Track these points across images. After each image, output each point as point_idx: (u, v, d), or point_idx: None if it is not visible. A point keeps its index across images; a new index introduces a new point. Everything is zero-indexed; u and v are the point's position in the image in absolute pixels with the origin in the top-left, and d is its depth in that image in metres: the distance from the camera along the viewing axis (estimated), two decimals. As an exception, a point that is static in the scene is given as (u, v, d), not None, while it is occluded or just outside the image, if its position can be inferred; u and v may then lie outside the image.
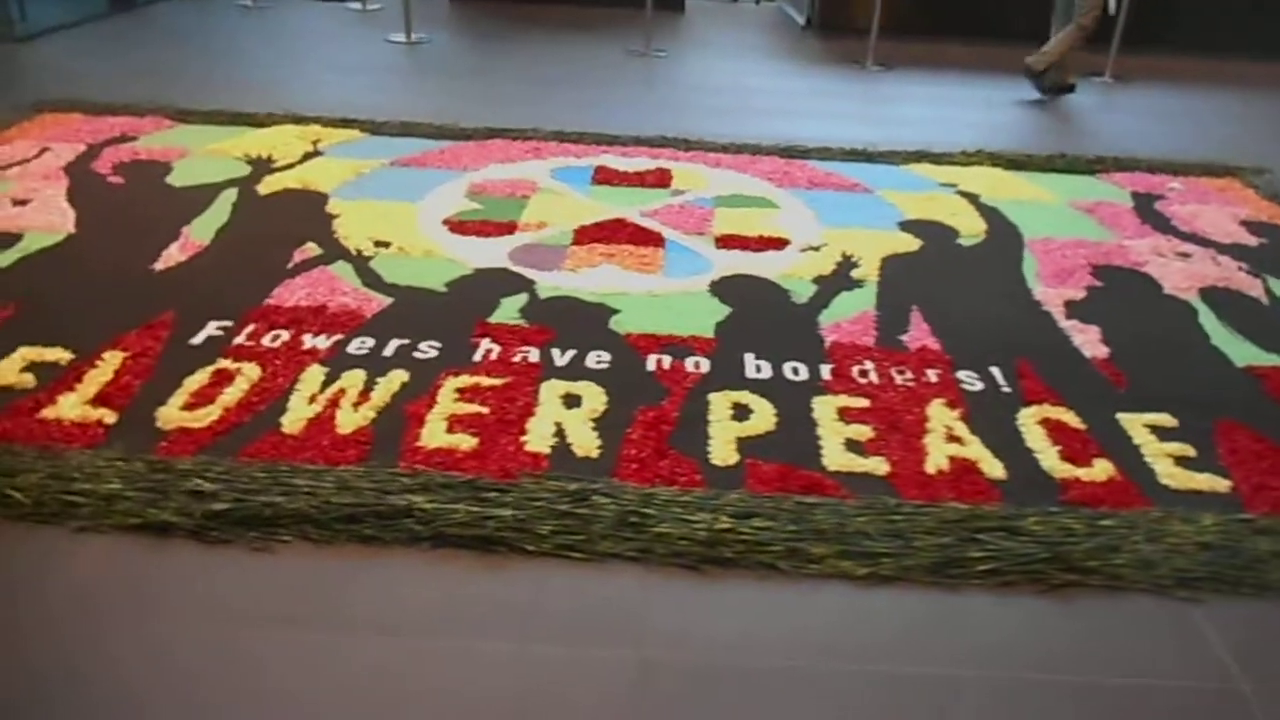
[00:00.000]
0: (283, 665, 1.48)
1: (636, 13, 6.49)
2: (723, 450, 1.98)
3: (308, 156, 3.69)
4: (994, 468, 1.94)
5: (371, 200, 3.29)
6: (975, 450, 1.99)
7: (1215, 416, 2.18)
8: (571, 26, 6.69)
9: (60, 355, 2.24)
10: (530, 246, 3.00)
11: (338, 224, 3.08)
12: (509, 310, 2.58)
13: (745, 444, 2.00)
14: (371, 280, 2.71)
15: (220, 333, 2.39)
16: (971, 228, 3.27)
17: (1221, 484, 1.95)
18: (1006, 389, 2.25)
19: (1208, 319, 2.67)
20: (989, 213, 3.40)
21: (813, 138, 4.22)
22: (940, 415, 2.11)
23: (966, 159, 3.96)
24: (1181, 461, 2.02)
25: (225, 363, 2.25)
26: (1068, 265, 2.95)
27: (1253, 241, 3.24)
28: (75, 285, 2.61)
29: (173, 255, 2.81)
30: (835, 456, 1.96)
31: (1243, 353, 2.50)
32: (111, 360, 2.23)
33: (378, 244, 2.95)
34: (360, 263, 2.82)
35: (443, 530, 1.71)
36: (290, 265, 2.79)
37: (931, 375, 2.29)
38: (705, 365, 2.33)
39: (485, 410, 2.10)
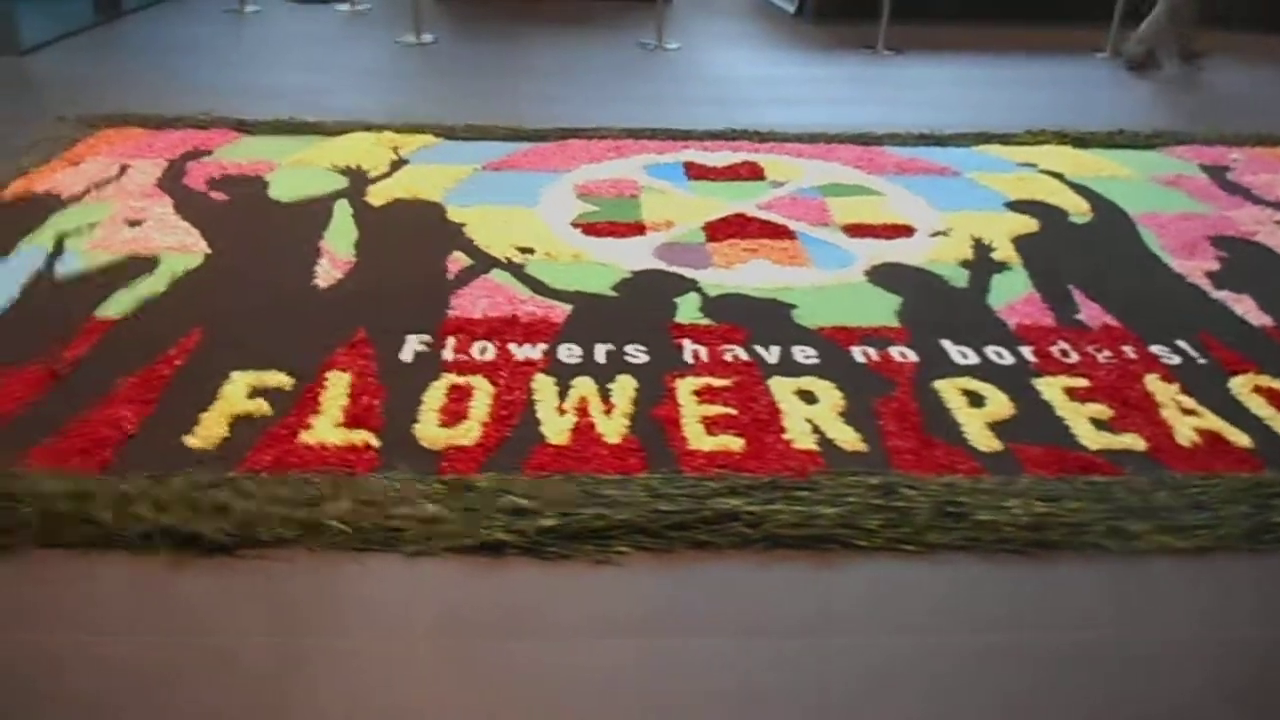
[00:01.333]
0: (667, 674, 1.51)
1: (623, 6, 6.53)
2: (981, 436, 2.06)
3: (395, 165, 3.63)
4: (1239, 437, 2.05)
5: (488, 206, 3.26)
6: (1213, 421, 2.11)
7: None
8: (567, 22, 6.65)
9: (280, 380, 2.19)
10: (670, 246, 3.02)
11: (469, 232, 3.05)
12: (689, 310, 2.60)
13: (999, 429, 2.09)
14: (539, 288, 2.69)
15: (425, 348, 2.36)
16: (1076, 206, 3.40)
17: None
18: (1202, 360, 2.38)
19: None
20: (1082, 191, 3.54)
21: (865, 123, 4.31)
22: (1162, 390, 2.23)
23: (1033, 139, 4.10)
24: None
25: (453, 378, 2.23)
26: (1188, 239, 3.11)
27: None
28: (249, 306, 2.54)
29: (328, 272, 2.76)
30: (1090, 436, 2.05)
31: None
32: (337, 381, 2.19)
33: (522, 250, 2.94)
34: (517, 270, 2.81)
35: (773, 531, 1.74)
36: (450, 276, 2.76)
37: (1129, 351, 2.41)
38: (911, 354, 2.40)
39: (733, 411, 2.13)
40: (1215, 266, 2.90)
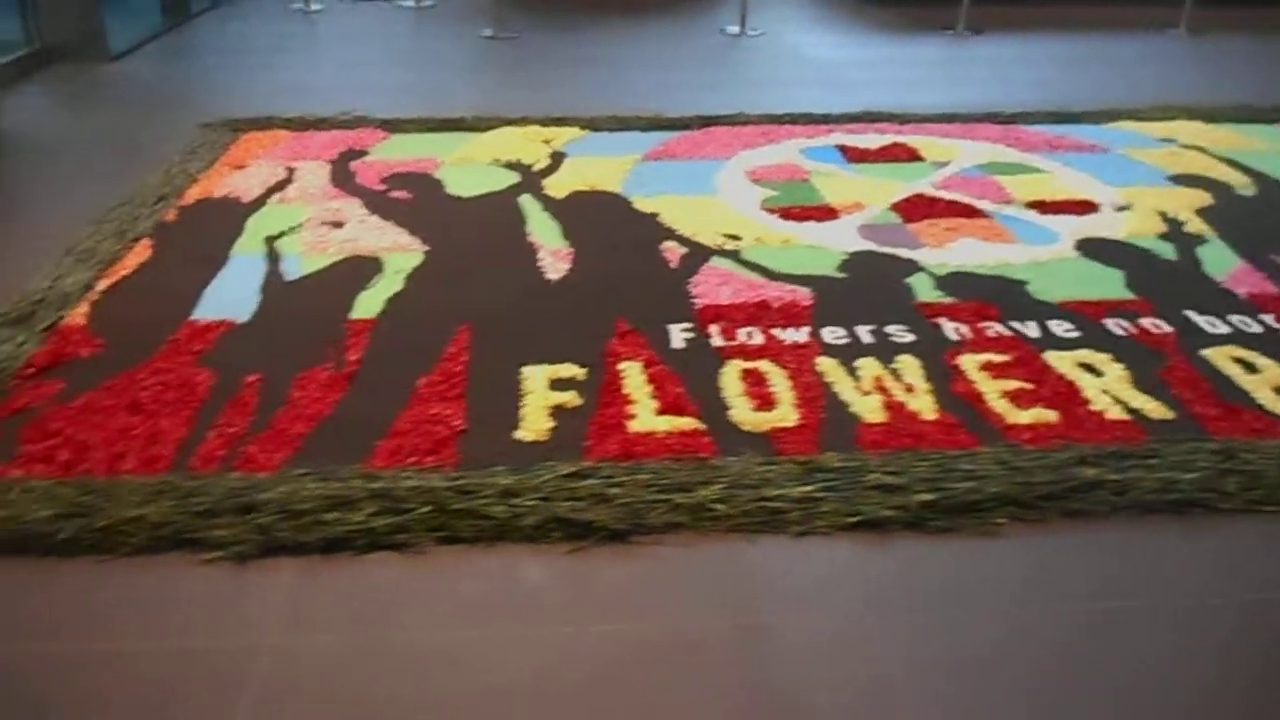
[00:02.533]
0: (1088, 638, 1.55)
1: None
2: (1273, 401, 2.11)
3: (555, 158, 3.64)
4: None
5: (671, 196, 3.28)
6: None
7: None
8: (643, 12, 6.67)
9: (574, 371, 2.22)
10: (871, 228, 3.06)
11: (666, 221, 3.08)
12: (926, 289, 2.64)
13: (1289, 393, 2.15)
14: (767, 273, 2.72)
15: (692, 334, 2.39)
16: (1236, 180, 3.47)
17: None
18: None
19: None
20: (1233, 165, 3.61)
21: (975, 103, 4.36)
22: None
23: (1163, 114, 4.18)
24: None
25: (740, 363, 2.26)
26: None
27: None
28: (501, 302, 2.55)
29: (554, 265, 2.77)
30: (1382, 394, 2.13)
31: None
32: (631, 371, 2.22)
33: (729, 237, 2.97)
34: (735, 257, 2.84)
35: (1141, 498, 1.79)
36: (674, 266, 2.79)
37: (1371, 314, 2.49)
38: (1164, 325, 2.45)
39: (1029, 385, 2.17)
40: None
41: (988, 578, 1.66)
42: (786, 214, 3.14)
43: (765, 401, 2.11)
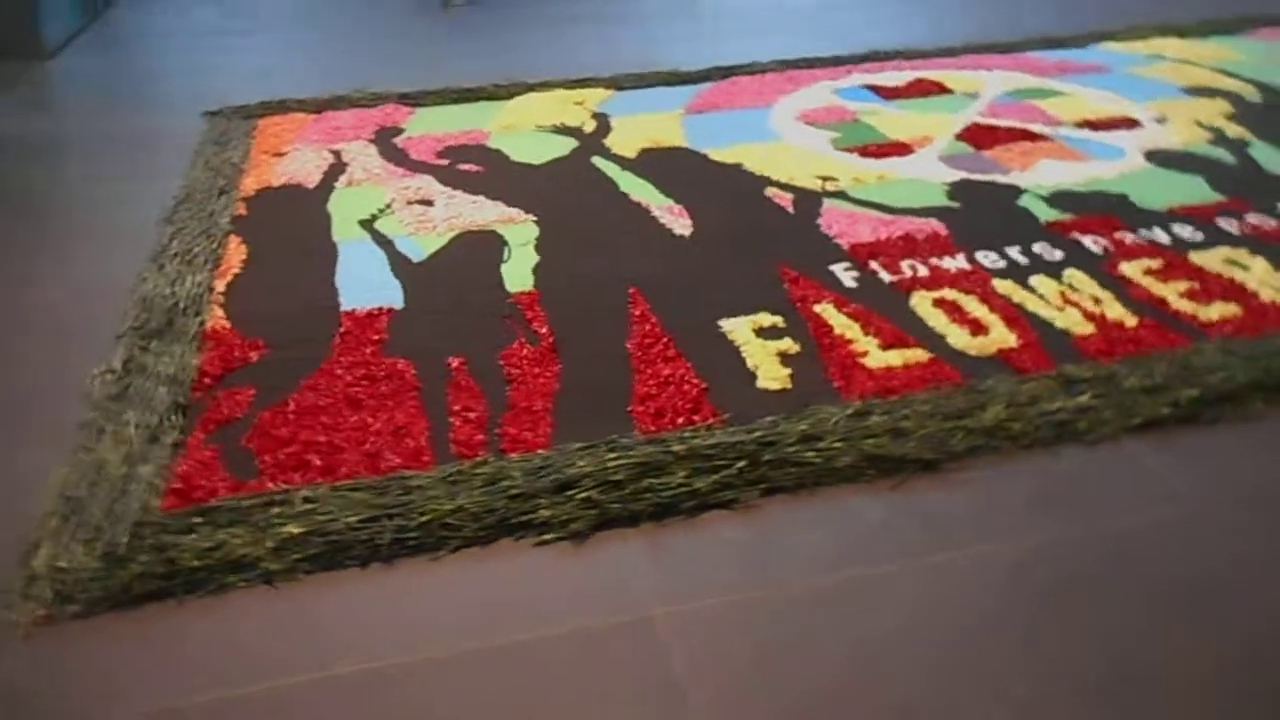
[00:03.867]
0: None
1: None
2: None
3: (599, 119, 3.56)
4: None
5: (741, 145, 3.27)
6: None
7: None
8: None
9: (772, 319, 2.21)
10: (951, 158, 3.14)
11: (752, 168, 3.07)
12: (1043, 209, 2.74)
13: None
14: (887, 209, 2.77)
15: (857, 272, 2.42)
16: (1239, 88, 3.73)
17: None
18: None
19: None
20: (1228, 74, 3.88)
21: (965, 35, 4.52)
22: None
23: (1138, 33, 4.42)
24: None
25: (925, 294, 2.31)
26: (1371, 99, 3.50)
27: None
28: (653, 260, 2.51)
29: (675, 221, 2.73)
30: None
31: None
32: (827, 312, 2.23)
33: (824, 179, 2.99)
34: (845, 196, 2.87)
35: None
36: (792, 211, 2.80)
37: None
38: (1270, 220, 2.64)
39: (1195, 284, 2.31)
40: None
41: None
42: (864, 152, 3.20)
43: (976, 326, 2.17)
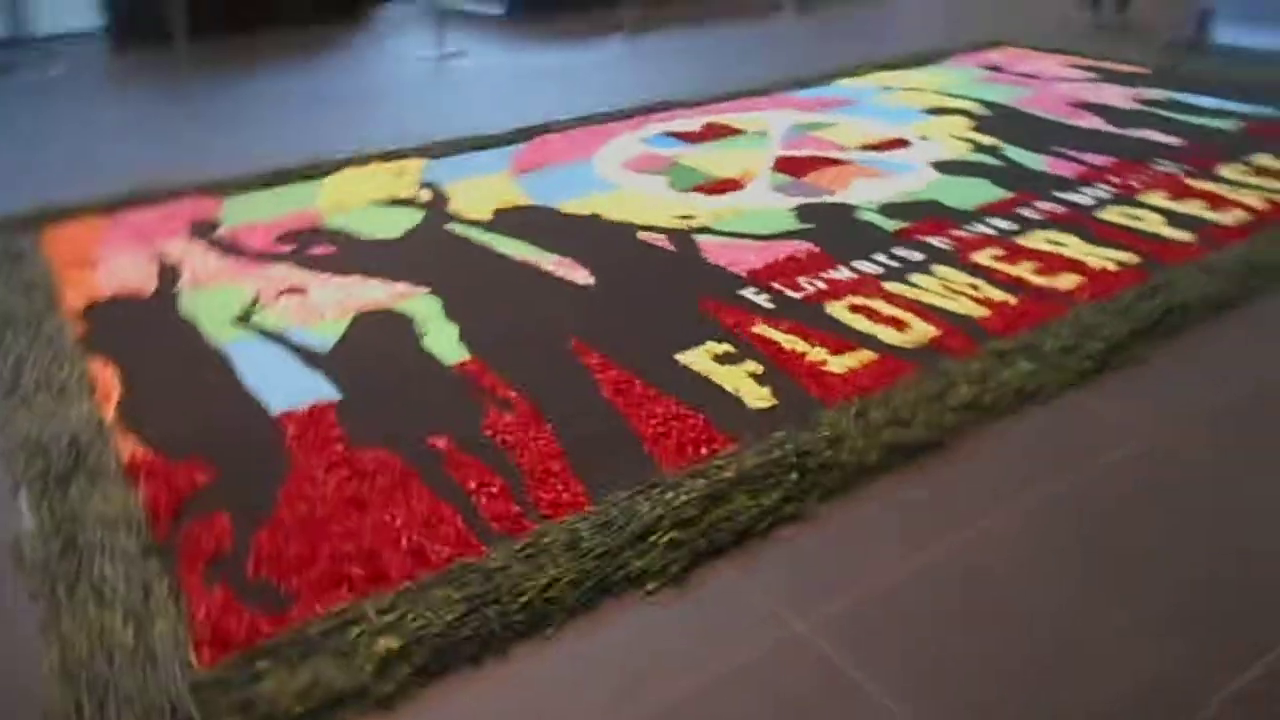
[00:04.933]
0: None
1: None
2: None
3: (431, 188, 3.48)
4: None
5: (583, 197, 3.35)
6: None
7: None
8: (285, 48, 6.32)
9: (723, 347, 2.31)
10: (780, 187, 3.41)
11: (612, 217, 3.16)
12: (881, 220, 3.07)
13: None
14: (756, 236, 2.96)
15: (767, 294, 2.58)
16: (967, 105, 4.37)
17: None
18: (1171, 168, 3.44)
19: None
20: (952, 96, 4.54)
21: (710, 86, 4.94)
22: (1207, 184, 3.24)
23: (861, 70, 5.05)
24: None
25: (836, 303, 2.51)
26: (1060, 108, 4.25)
27: (1077, 74, 4.85)
28: (571, 311, 2.52)
29: (571, 273, 2.75)
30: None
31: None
32: (767, 331, 2.37)
33: (682, 218, 3.14)
34: (712, 232, 3.03)
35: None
36: (674, 249, 2.91)
37: (1169, 168, 3.40)
38: (1057, 206, 3.14)
39: (1040, 263, 2.70)
40: (1097, 119, 4.06)
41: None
42: (702, 190, 3.41)
43: (897, 324, 2.40)
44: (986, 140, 3.86)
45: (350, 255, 2.95)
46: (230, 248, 3.01)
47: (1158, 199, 3.15)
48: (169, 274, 2.83)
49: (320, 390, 2.20)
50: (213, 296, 2.69)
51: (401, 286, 2.71)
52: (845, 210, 3.20)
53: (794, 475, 1.78)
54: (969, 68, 5.10)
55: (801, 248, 2.88)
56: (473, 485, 1.84)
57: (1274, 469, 1.85)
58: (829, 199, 3.29)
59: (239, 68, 5.76)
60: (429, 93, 5.22)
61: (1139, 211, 3.05)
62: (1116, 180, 3.34)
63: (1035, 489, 1.81)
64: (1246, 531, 1.69)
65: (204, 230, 3.16)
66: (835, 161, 3.68)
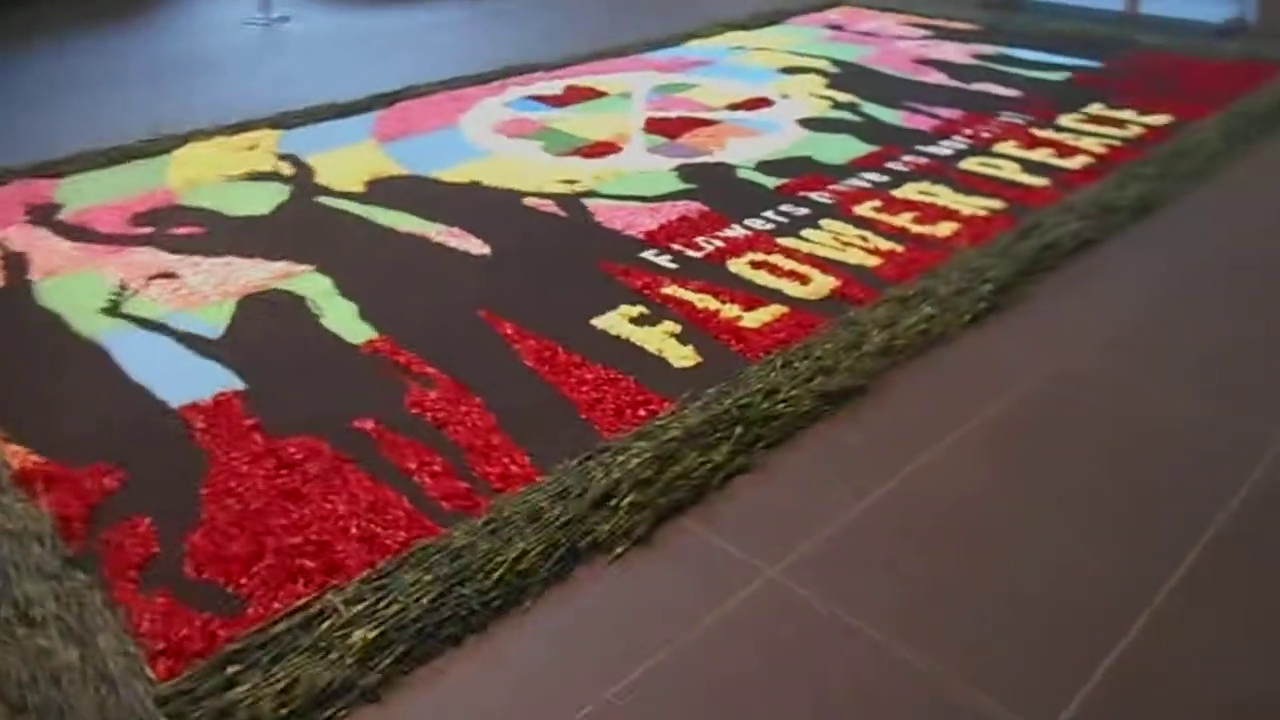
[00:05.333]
0: None
1: None
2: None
3: (291, 159, 3.29)
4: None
5: (460, 165, 3.26)
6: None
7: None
8: (102, 19, 5.78)
9: (636, 309, 2.31)
10: (655, 148, 3.42)
11: (493, 183, 3.09)
12: (761, 178, 3.13)
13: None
14: (643, 199, 2.96)
15: (668, 256, 2.59)
16: (818, 64, 4.50)
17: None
18: (1019, 119, 3.69)
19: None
20: (801, 55, 4.66)
21: (553, 51, 4.90)
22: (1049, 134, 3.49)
23: (713, 30, 5.10)
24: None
25: (737, 260, 2.55)
26: (903, 64, 4.45)
27: (914, 32, 5.09)
28: (473, 283, 2.46)
29: (464, 243, 2.67)
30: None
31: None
32: (676, 292, 2.38)
33: (566, 182, 3.10)
34: (598, 195, 3.00)
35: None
36: (565, 214, 2.87)
37: (1011, 118, 3.63)
38: (919, 159, 3.30)
39: (919, 212, 2.83)
40: (940, 74, 4.29)
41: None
42: (580, 154, 3.37)
43: (798, 277, 2.47)
44: (843, 97, 4.00)
45: (219, 235, 2.75)
46: (80, 232, 2.75)
47: (1010, 148, 3.37)
48: (15, 264, 2.56)
49: (220, 379, 2.06)
50: (73, 286, 2.45)
51: (283, 265, 2.56)
52: (726, 169, 3.25)
53: (739, 429, 1.82)
54: (813, 27, 5.26)
55: (691, 208, 2.91)
56: (412, 465, 1.77)
57: (1163, 381, 2.03)
58: (707, 159, 3.33)
59: (32, 41, 5.22)
60: (265, 60, 4.92)
61: (996, 161, 3.26)
62: (969, 132, 3.55)
63: (958, 421, 1.91)
64: (1148, 440, 1.86)
65: (44, 215, 2.87)
66: (705, 122, 3.72)
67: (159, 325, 2.28)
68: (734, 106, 3.90)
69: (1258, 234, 2.75)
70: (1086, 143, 3.39)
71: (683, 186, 3.10)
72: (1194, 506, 1.67)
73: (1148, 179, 2.99)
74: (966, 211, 2.86)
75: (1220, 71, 4.24)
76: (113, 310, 2.33)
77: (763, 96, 4.03)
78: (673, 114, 3.82)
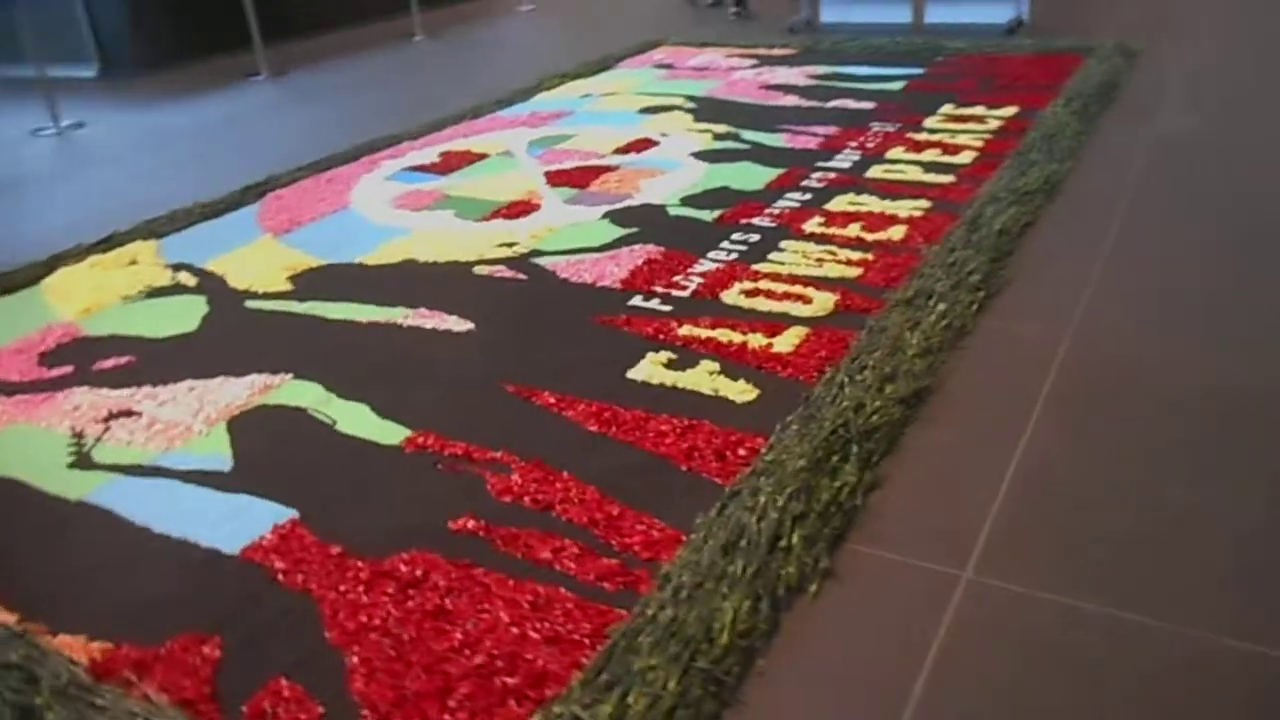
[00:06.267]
0: None
1: None
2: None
3: (186, 269, 2.97)
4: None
5: (382, 246, 3.07)
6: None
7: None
8: None
9: (661, 355, 2.25)
10: (572, 199, 3.37)
11: (428, 257, 2.94)
12: (695, 214, 3.16)
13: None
14: (591, 250, 2.91)
15: (660, 299, 2.56)
16: (673, 101, 4.60)
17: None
18: (889, 127, 3.95)
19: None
20: (652, 95, 4.75)
21: (403, 124, 4.76)
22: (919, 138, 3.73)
23: (549, 84, 5.11)
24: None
25: (729, 292, 2.55)
26: (754, 93, 4.64)
27: (741, 62, 5.33)
28: (478, 360, 2.34)
29: (442, 322, 2.50)
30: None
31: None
32: (696, 331, 2.36)
33: (505, 246, 3.00)
34: (548, 254, 2.91)
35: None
36: (525, 278, 2.76)
37: (887, 128, 3.85)
38: (829, 174, 3.44)
39: (862, 223, 2.94)
40: (793, 97, 4.52)
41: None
42: (499, 216, 3.27)
43: (799, 298, 2.51)
44: (719, 128, 4.12)
45: (157, 360, 2.44)
46: (-12, 382, 2.35)
47: (900, 153, 3.60)
48: None
49: (267, 512, 1.81)
50: (15, 445, 2.09)
51: (257, 379, 2.30)
52: (655, 210, 3.25)
53: (854, 447, 1.82)
54: (645, 68, 5.40)
55: (650, 250, 2.89)
56: (546, 555, 1.63)
57: (1179, 329, 2.23)
58: (631, 202, 3.33)
59: None
60: (81, 170, 4.44)
61: (897, 166, 3.47)
62: (855, 144, 3.76)
63: (1028, 401, 2.01)
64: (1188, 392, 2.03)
65: (-74, 369, 2.43)
66: (604, 168, 3.72)
67: (152, 470, 1.98)
68: (621, 150, 3.93)
69: (1155, 190, 3.08)
70: (963, 139, 3.69)
71: (624, 232, 3.08)
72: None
73: (1041, 162, 3.29)
74: (904, 214, 3.02)
75: (1028, 64, 4.75)
76: (84, 464, 2.01)
77: (645, 137, 4.08)
78: (567, 165, 3.79)
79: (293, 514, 1.80)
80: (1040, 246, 2.75)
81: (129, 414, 2.19)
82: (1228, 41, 5.14)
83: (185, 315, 2.69)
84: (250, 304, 2.74)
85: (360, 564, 1.65)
